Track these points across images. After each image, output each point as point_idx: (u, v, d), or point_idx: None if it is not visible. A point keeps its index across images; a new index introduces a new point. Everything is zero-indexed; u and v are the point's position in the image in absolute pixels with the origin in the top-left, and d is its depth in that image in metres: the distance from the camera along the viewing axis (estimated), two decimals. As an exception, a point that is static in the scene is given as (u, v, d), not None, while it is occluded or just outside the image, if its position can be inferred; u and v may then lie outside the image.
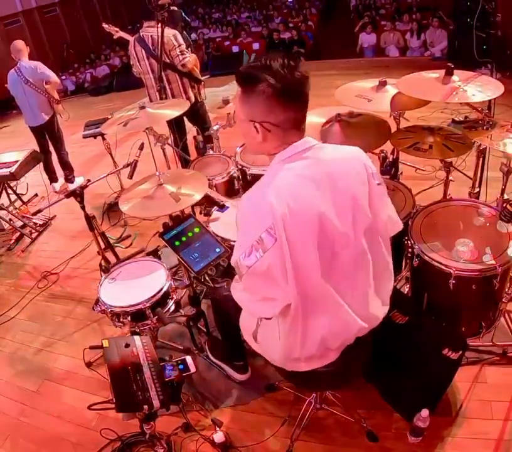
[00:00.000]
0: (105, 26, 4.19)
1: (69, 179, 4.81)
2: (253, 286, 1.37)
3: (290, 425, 2.03)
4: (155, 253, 2.51)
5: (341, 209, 1.29)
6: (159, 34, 3.07)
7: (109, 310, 2.16)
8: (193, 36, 12.37)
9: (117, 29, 4.15)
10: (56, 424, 2.28)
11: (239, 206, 1.34)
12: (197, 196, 2.25)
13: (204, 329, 2.42)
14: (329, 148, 1.35)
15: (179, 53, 3.50)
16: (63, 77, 12.14)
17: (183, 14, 4.54)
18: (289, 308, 1.35)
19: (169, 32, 3.42)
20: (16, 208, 4.23)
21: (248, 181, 2.87)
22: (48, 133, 4.50)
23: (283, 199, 1.23)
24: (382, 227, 1.41)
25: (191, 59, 3.57)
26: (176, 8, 3.86)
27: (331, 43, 11.44)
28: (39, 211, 2.71)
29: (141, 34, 3.57)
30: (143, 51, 3.57)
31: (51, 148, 4.65)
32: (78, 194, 2.41)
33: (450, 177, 2.64)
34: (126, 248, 3.56)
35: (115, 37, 4.20)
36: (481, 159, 2.62)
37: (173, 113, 2.66)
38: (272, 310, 1.38)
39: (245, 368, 2.27)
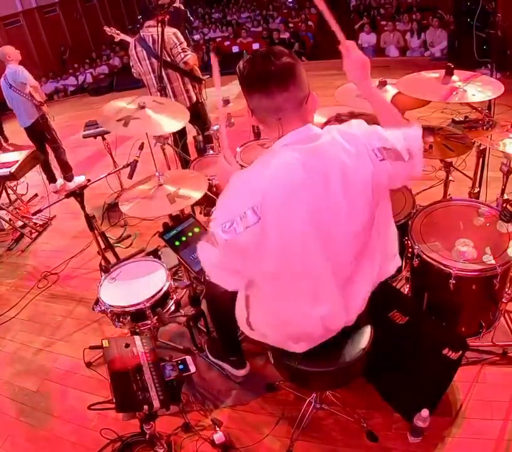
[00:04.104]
0: (106, 29, 4.21)
1: (67, 177, 4.82)
2: (224, 257, 1.37)
3: (290, 425, 2.03)
4: (155, 253, 2.51)
5: (332, 195, 1.29)
6: (159, 34, 3.07)
7: (109, 310, 2.16)
8: (196, 36, 12.37)
9: (119, 32, 4.16)
10: (56, 424, 2.28)
11: (232, 178, 1.35)
12: (195, 198, 2.24)
13: (204, 329, 2.42)
14: (329, 134, 1.33)
15: (181, 51, 3.51)
16: (62, 78, 12.19)
17: (188, 14, 4.54)
18: (254, 284, 1.40)
19: (170, 30, 3.43)
20: (16, 208, 4.23)
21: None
22: (39, 134, 4.52)
23: (275, 182, 1.25)
24: (376, 202, 1.38)
25: (192, 57, 3.57)
26: (182, 6, 3.86)
27: (331, 43, 11.41)
28: (39, 211, 2.71)
29: (142, 34, 3.57)
30: (144, 51, 3.57)
31: (48, 148, 4.66)
32: (78, 194, 2.41)
33: (450, 177, 2.64)
34: (126, 248, 3.56)
35: (116, 40, 4.21)
36: (481, 159, 2.63)
37: (175, 125, 2.62)
38: (233, 283, 1.45)
39: (241, 363, 2.26)
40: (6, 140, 5.95)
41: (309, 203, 1.27)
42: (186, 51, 3.54)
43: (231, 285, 1.47)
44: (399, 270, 2.54)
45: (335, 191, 1.28)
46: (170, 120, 2.63)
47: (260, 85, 1.27)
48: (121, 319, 2.16)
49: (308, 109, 1.33)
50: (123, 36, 4.11)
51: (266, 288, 1.43)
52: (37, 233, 4.05)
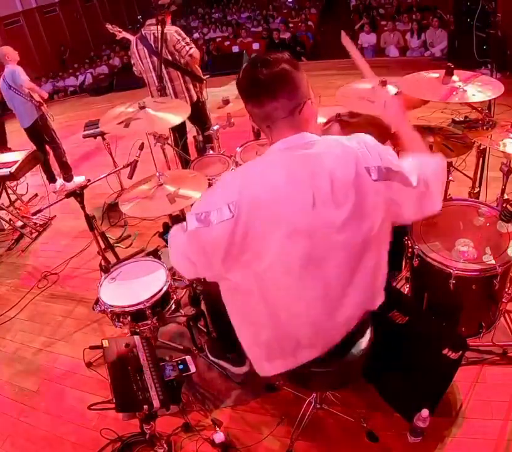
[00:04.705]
0: (108, 26, 4.21)
1: (66, 177, 4.82)
2: (188, 246, 1.37)
3: (290, 425, 2.03)
4: (155, 253, 2.51)
5: (317, 204, 1.25)
6: (159, 34, 3.07)
7: (109, 310, 2.16)
8: (195, 35, 12.37)
9: (120, 30, 4.17)
10: (56, 424, 2.28)
11: (224, 173, 1.38)
12: (195, 197, 2.24)
13: (204, 329, 2.42)
14: (325, 142, 1.32)
15: (185, 44, 3.53)
16: (63, 77, 12.19)
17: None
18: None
19: (171, 28, 3.46)
20: (16, 208, 4.23)
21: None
22: (39, 134, 4.52)
23: (254, 184, 1.25)
24: (369, 226, 1.30)
25: (197, 50, 3.59)
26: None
27: (331, 43, 11.44)
28: (39, 211, 2.71)
29: (143, 32, 3.58)
30: (145, 49, 3.58)
31: (48, 148, 4.66)
32: (78, 194, 2.40)
33: (450, 177, 2.64)
34: (126, 248, 3.56)
35: (118, 38, 4.22)
36: (481, 159, 2.63)
37: (176, 119, 2.63)
38: (191, 273, 1.46)
39: (240, 360, 2.25)
40: (6, 147, 5.90)
41: (286, 215, 1.24)
42: (189, 44, 3.57)
43: (188, 274, 1.49)
44: (399, 270, 2.55)
45: (318, 203, 1.24)
46: (171, 115, 2.64)
47: (250, 94, 1.29)
48: (121, 319, 2.16)
49: (303, 118, 1.31)
50: (124, 34, 4.12)
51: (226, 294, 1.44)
52: (37, 233, 4.04)
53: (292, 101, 1.27)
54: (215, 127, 3.14)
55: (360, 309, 1.46)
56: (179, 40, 3.51)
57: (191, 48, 3.56)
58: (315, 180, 1.25)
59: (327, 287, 1.35)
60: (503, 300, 2.15)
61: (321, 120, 2.49)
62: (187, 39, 3.59)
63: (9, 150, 5.22)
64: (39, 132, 4.49)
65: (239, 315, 1.49)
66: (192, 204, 2.42)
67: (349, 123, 2.45)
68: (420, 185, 1.31)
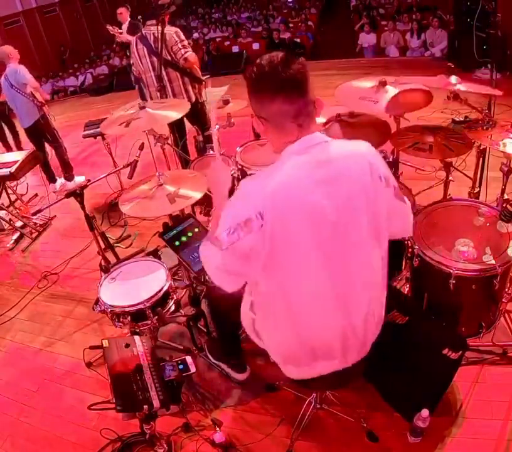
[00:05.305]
0: (109, 27, 4.23)
1: (67, 177, 4.81)
2: (227, 260, 1.37)
3: (290, 425, 2.03)
4: (155, 253, 2.51)
5: (339, 206, 1.29)
6: (159, 34, 3.07)
7: (109, 310, 2.16)
8: (195, 35, 12.37)
9: (121, 31, 4.18)
10: (56, 424, 2.28)
11: (241, 183, 1.36)
12: (195, 198, 2.24)
13: (204, 329, 2.42)
14: (337, 144, 1.34)
15: (181, 47, 3.52)
16: (64, 77, 12.19)
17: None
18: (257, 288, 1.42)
19: (171, 29, 3.46)
20: (16, 208, 4.23)
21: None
22: (40, 134, 4.52)
23: (281, 192, 1.25)
24: (380, 228, 1.38)
25: (192, 54, 3.58)
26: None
27: (331, 43, 11.44)
28: (39, 211, 2.71)
29: (143, 32, 3.58)
30: (144, 49, 3.58)
31: (48, 148, 4.66)
32: (78, 194, 2.41)
33: (450, 177, 2.64)
34: (126, 248, 3.56)
35: (118, 39, 4.23)
36: (481, 159, 2.63)
37: (175, 115, 2.65)
38: (234, 286, 1.44)
39: (242, 367, 2.26)
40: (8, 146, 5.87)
41: (312, 216, 1.27)
42: (186, 47, 3.55)
43: (231, 288, 1.46)
44: (399, 270, 2.55)
45: (340, 205, 1.29)
46: (170, 112, 2.66)
47: (282, 90, 1.24)
48: (121, 319, 2.16)
49: (317, 113, 1.34)
50: (124, 34, 4.13)
51: (271, 295, 1.42)
52: (37, 233, 4.04)
53: (312, 96, 1.29)
54: (215, 127, 3.14)
55: (379, 307, 1.52)
56: (176, 42, 3.50)
57: (186, 52, 3.54)
58: (338, 181, 1.29)
59: (348, 286, 1.40)
60: (503, 300, 2.15)
61: (321, 120, 2.50)
62: (185, 42, 3.58)
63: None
64: (41, 132, 4.48)
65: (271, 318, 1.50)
66: (192, 205, 2.43)
67: (349, 123, 2.45)
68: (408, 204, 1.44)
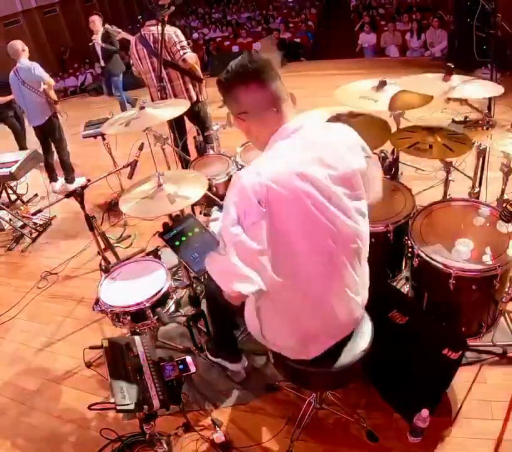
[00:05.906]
0: (107, 26, 4.22)
1: (68, 180, 4.81)
2: (239, 255, 1.31)
3: (290, 425, 2.03)
4: (155, 253, 2.50)
5: (331, 187, 1.32)
6: (159, 34, 3.07)
7: (109, 310, 2.15)
8: (195, 35, 12.36)
9: (120, 30, 4.17)
10: (56, 424, 2.28)
11: (234, 177, 1.36)
12: (195, 197, 2.24)
13: (204, 329, 2.42)
14: (320, 127, 1.41)
15: (180, 48, 3.51)
16: (63, 77, 12.18)
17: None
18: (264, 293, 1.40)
19: (170, 29, 3.44)
20: (16, 208, 4.22)
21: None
22: (49, 133, 4.50)
23: (275, 177, 1.26)
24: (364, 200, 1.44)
25: (191, 55, 3.57)
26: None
27: (331, 43, 11.45)
28: (39, 211, 2.71)
29: (143, 33, 3.58)
30: (144, 49, 3.58)
31: (54, 147, 4.65)
32: (78, 194, 2.40)
33: (450, 177, 2.64)
34: (126, 248, 3.56)
35: (117, 38, 4.22)
36: (481, 159, 2.62)
37: (174, 113, 2.65)
38: (253, 286, 1.35)
39: (236, 355, 2.26)
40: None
41: (311, 198, 1.29)
42: (185, 49, 3.54)
43: (252, 288, 1.35)
44: (399, 270, 2.55)
45: (336, 184, 1.33)
46: (170, 109, 2.67)
47: (253, 78, 1.29)
48: (121, 319, 2.16)
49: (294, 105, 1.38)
50: (124, 34, 4.13)
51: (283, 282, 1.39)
52: (37, 233, 4.05)
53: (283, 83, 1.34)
54: (215, 127, 3.14)
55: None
56: (175, 42, 3.49)
57: (185, 53, 3.53)
58: (335, 163, 1.33)
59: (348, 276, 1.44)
60: (503, 300, 2.15)
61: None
62: (184, 42, 3.56)
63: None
64: (50, 131, 4.46)
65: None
66: (192, 205, 2.43)
67: (349, 123, 2.44)
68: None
